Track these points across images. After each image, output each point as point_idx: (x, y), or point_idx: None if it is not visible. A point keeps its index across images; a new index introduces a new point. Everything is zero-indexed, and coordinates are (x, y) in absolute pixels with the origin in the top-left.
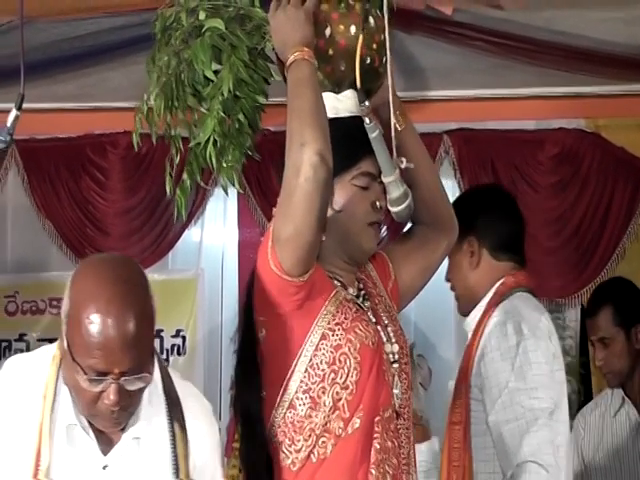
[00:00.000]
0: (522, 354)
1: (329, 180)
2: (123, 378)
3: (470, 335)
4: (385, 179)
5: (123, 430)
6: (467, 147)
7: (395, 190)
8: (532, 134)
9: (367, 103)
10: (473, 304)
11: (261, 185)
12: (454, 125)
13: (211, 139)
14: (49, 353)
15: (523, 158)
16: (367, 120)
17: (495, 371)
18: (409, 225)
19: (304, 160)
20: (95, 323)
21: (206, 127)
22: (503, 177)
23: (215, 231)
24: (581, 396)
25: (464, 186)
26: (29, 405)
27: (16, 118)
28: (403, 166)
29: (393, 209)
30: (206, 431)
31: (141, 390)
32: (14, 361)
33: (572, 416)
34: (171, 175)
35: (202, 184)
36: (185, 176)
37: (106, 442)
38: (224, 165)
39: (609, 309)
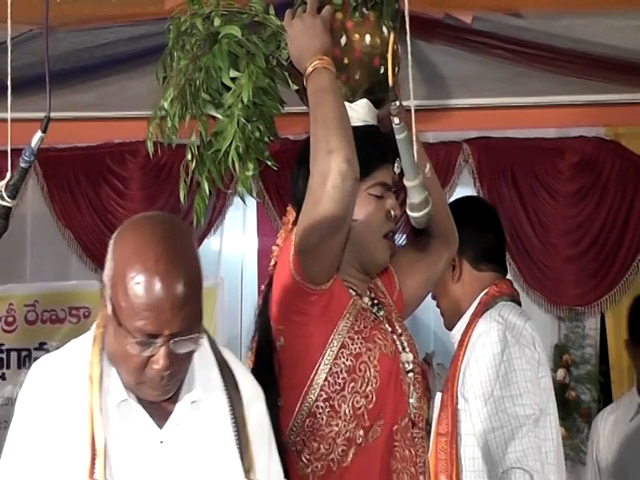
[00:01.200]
0: (506, 361)
1: (355, 188)
2: (173, 340)
3: (456, 347)
4: (408, 183)
5: (176, 401)
6: (487, 155)
7: (417, 195)
8: (552, 142)
9: (397, 103)
10: (458, 317)
11: (280, 194)
12: (474, 133)
13: (233, 145)
14: (84, 340)
15: (543, 166)
16: (396, 120)
17: (480, 380)
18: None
19: (332, 167)
20: (143, 283)
21: (227, 134)
22: (522, 185)
23: (234, 240)
24: (601, 404)
25: (484, 195)
26: (76, 389)
27: (40, 140)
28: (427, 171)
29: (413, 214)
30: (256, 393)
31: (190, 355)
32: (47, 357)
33: (591, 425)
34: (186, 182)
35: (222, 188)
36: (203, 182)
37: (160, 416)
38: (244, 173)
39: None
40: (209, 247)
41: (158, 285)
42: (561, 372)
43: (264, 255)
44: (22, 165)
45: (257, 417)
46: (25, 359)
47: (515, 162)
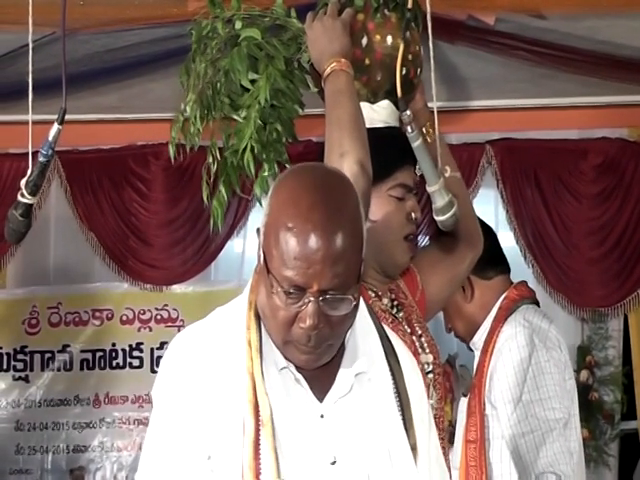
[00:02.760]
0: (534, 365)
1: (369, 190)
2: (323, 297)
3: (479, 353)
4: (429, 188)
5: (336, 372)
6: (510, 157)
7: (440, 199)
8: (575, 143)
9: (409, 112)
10: (474, 329)
11: None
12: (497, 135)
13: (248, 146)
14: (234, 307)
15: (566, 168)
16: (409, 129)
17: (509, 385)
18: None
19: (344, 170)
20: (295, 230)
21: (243, 134)
22: (545, 187)
23: (257, 242)
24: (624, 406)
25: (507, 196)
26: (232, 354)
27: (58, 132)
28: (447, 174)
29: (439, 218)
30: (414, 367)
31: (344, 319)
32: (194, 326)
33: (614, 426)
34: (208, 184)
35: (240, 194)
36: (221, 187)
37: (320, 387)
38: (261, 174)
39: None
40: (232, 249)
41: (311, 234)
42: (584, 373)
43: None
44: (41, 160)
45: (417, 392)
46: (48, 361)
47: (538, 163)
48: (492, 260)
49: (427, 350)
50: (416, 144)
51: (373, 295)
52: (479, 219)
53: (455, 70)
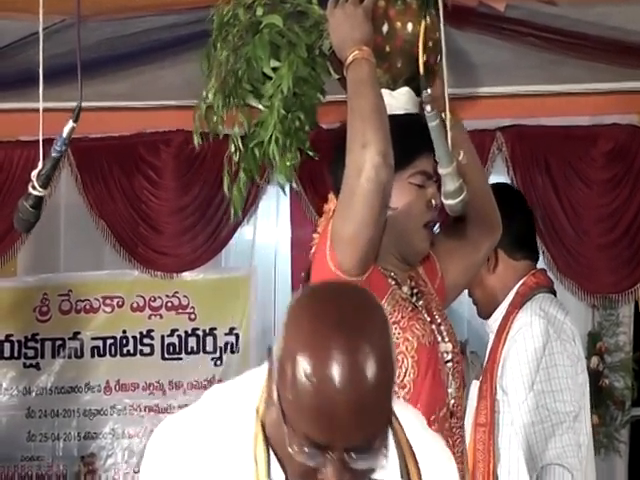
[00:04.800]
0: (548, 356)
1: (390, 181)
2: (348, 455)
3: (493, 337)
4: (442, 170)
5: None
6: (520, 143)
7: (451, 183)
8: (585, 130)
9: (429, 91)
10: (493, 307)
11: (314, 183)
12: (507, 121)
13: (273, 137)
14: (253, 399)
15: (576, 154)
16: (428, 108)
17: (521, 373)
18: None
19: (366, 160)
20: (314, 380)
21: (267, 125)
22: (556, 173)
23: (268, 229)
24: (635, 392)
25: (517, 183)
26: (239, 467)
27: (72, 129)
28: (460, 158)
29: (447, 202)
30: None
31: (372, 469)
32: (213, 404)
33: (624, 413)
34: (229, 173)
35: (258, 181)
36: (242, 174)
37: None
38: (283, 163)
39: None
40: (242, 236)
41: (334, 385)
42: (594, 360)
43: (297, 244)
44: (54, 155)
45: None
46: (59, 348)
47: (549, 150)
48: (521, 242)
49: (446, 339)
50: (434, 124)
51: (393, 283)
52: (518, 199)
53: (465, 57)
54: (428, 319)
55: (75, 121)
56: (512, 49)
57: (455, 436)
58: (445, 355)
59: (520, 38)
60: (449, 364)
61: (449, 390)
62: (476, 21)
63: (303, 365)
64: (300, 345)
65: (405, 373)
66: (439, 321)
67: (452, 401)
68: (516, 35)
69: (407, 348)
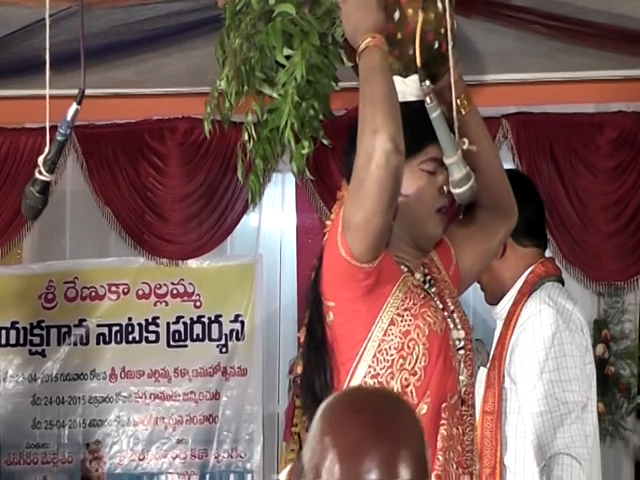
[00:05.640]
0: (557, 345)
1: (401, 167)
2: None
3: (502, 324)
4: (447, 160)
5: None
6: (526, 131)
7: (457, 171)
8: (591, 117)
9: (428, 82)
10: (501, 293)
11: (319, 170)
12: (513, 109)
13: (288, 123)
14: None
15: (582, 142)
16: (428, 100)
17: (530, 362)
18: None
19: (376, 147)
20: None
21: (281, 111)
22: (561, 161)
23: (273, 216)
24: None
25: (522, 170)
26: None
27: (76, 112)
28: (465, 147)
29: (455, 190)
30: None
31: None
32: None
33: (631, 401)
34: (243, 161)
35: (275, 167)
36: (258, 161)
37: None
38: (298, 151)
39: None
40: (248, 224)
41: None
42: (600, 347)
43: (303, 231)
44: (59, 139)
45: None
46: (65, 335)
47: (554, 137)
48: (530, 229)
49: (459, 326)
50: (434, 115)
51: (406, 270)
52: (528, 187)
53: (471, 44)
54: (440, 306)
55: (79, 103)
56: (518, 37)
57: (465, 424)
58: (457, 342)
59: (526, 26)
60: (461, 351)
61: (460, 377)
62: (482, 9)
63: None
64: (327, 451)
65: (416, 360)
66: (452, 308)
67: (463, 389)
68: (522, 23)
69: (418, 335)
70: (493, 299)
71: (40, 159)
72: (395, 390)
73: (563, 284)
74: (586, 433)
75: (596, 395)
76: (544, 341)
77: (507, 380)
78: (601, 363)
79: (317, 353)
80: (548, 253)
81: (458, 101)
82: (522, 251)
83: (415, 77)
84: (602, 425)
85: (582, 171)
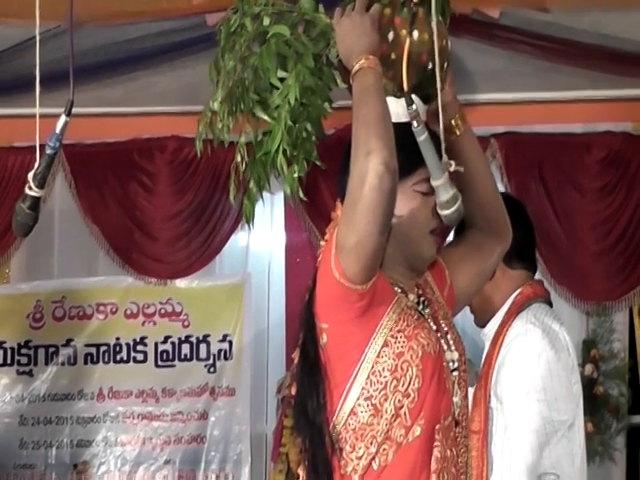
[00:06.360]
0: (543, 365)
1: (394, 189)
2: None
3: (489, 344)
4: (434, 182)
5: None
6: (514, 150)
7: (444, 193)
8: (579, 137)
9: (414, 107)
10: (490, 315)
11: (308, 190)
12: (501, 128)
13: (280, 148)
14: None
15: (570, 161)
16: (415, 123)
17: (516, 381)
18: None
19: (369, 169)
20: None
21: (274, 136)
22: (550, 180)
23: (262, 236)
24: (629, 400)
25: (511, 190)
26: None
27: (65, 124)
28: (452, 169)
29: (442, 212)
30: None
31: None
32: None
33: (620, 420)
34: (235, 184)
35: (269, 191)
36: (252, 185)
37: None
38: (291, 174)
39: None
40: (236, 243)
41: None
42: (589, 367)
43: (291, 251)
44: (48, 152)
45: None
46: (52, 355)
47: (543, 157)
48: (519, 252)
49: (453, 348)
50: (421, 138)
51: (399, 291)
52: (518, 210)
53: (460, 64)
54: (434, 327)
55: (68, 115)
56: (506, 56)
57: (459, 445)
58: (451, 364)
59: (514, 45)
60: (455, 373)
61: (454, 399)
62: (470, 28)
63: None
64: None
65: (410, 382)
66: (446, 329)
67: (457, 410)
68: (510, 42)
69: (412, 357)
70: (482, 321)
71: (30, 175)
72: (389, 412)
73: (551, 306)
74: (573, 452)
75: (583, 415)
76: (530, 360)
77: (493, 400)
78: (590, 383)
79: (310, 375)
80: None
81: (453, 122)
82: (511, 273)
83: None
84: (591, 445)
85: (570, 190)
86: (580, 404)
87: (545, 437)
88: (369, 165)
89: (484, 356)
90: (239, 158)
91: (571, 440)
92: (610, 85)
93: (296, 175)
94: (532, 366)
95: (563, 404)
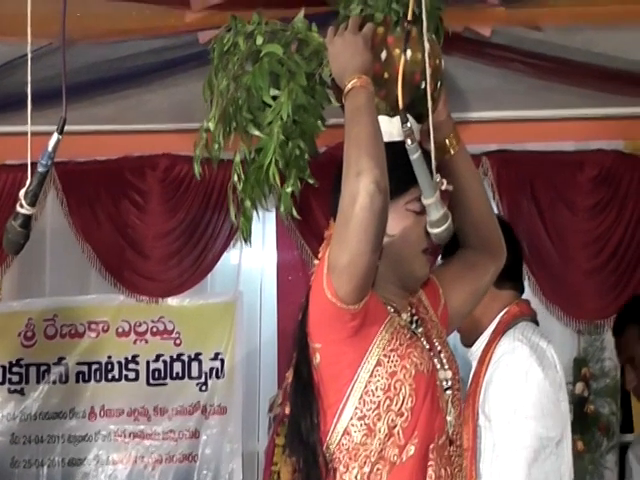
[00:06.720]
0: (531, 382)
1: (385, 209)
2: None
3: (476, 363)
4: (425, 200)
5: None
6: (506, 169)
7: (435, 212)
8: (571, 156)
9: (409, 125)
10: (477, 335)
11: (300, 207)
12: (493, 147)
13: (273, 161)
14: None
15: (562, 179)
16: (408, 141)
17: (503, 399)
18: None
19: (360, 189)
20: None
21: (267, 149)
22: (542, 198)
23: (254, 254)
24: (620, 419)
25: (503, 208)
26: None
27: (57, 142)
28: (443, 188)
29: (433, 231)
30: None
31: None
32: None
33: (610, 438)
34: (233, 202)
35: (265, 208)
36: (247, 202)
37: None
38: (284, 191)
39: (634, 327)
40: (228, 261)
41: None
42: (580, 385)
43: (283, 269)
44: (40, 170)
45: None
46: (44, 374)
47: (534, 175)
48: (508, 272)
49: (446, 366)
50: (414, 157)
51: (392, 310)
52: (507, 231)
53: (452, 82)
54: (427, 346)
55: (60, 133)
56: (498, 74)
57: (454, 464)
58: (444, 383)
59: (506, 63)
60: (448, 392)
61: (448, 418)
62: (462, 46)
63: None
64: None
65: (403, 401)
66: (439, 348)
67: (451, 429)
68: (502, 60)
69: (405, 376)
70: (469, 340)
71: (21, 193)
72: (382, 431)
73: (537, 325)
74: (561, 470)
75: (571, 433)
76: (518, 378)
77: (481, 417)
78: (581, 401)
79: (304, 395)
80: (528, 290)
81: (447, 141)
82: (499, 293)
83: None
84: (582, 464)
85: (562, 209)
86: (568, 421)
87: (533, 454)
88: (360, 184)
89: (471, 375)
90: (236, 177)
91: (559, 457)
92: (602, 103)
93: (289, 190)
94: (520, 383)
95: (551, 421)
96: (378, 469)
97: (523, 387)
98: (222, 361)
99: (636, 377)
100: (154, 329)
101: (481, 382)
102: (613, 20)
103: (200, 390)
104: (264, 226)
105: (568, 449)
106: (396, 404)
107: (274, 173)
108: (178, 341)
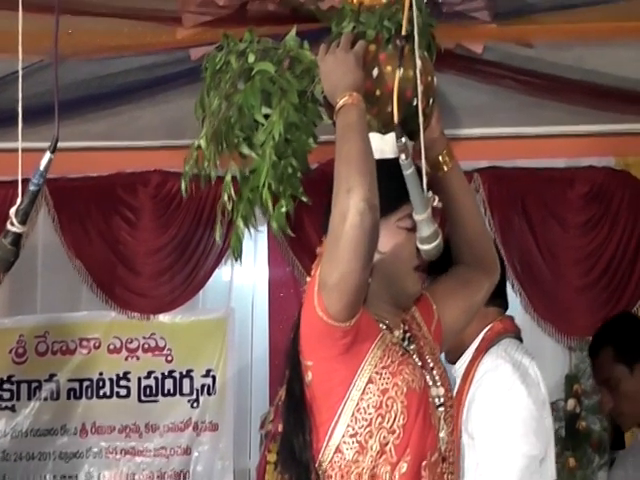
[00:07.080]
0: (514, 399)
1: (376, 227)
2: None
3: (459, 381)
4: (417, 217)
5: None
6: (497, 185)
7: (426, 229)
8: (562, 172)
9: (403, 140)
10: (461, 352)
11: (291, 224)
12: (484, 163)
13: (266, 184)
14: None
15: (553, 196)
16: (403, 157)
17: (486, 417)
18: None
19: (350, 207)
20: None
21: (260, 172)
22: (533, 215)
23: (245, 270)
24: (612, 435)
25: (494, 224)
26: None
27: (49, 161)
28: (435, 204)
29: (423, 247)
30: None
31: None
32: None
33: (602, 455)
34: (222, 223)
35: (255, 228)
36: (239, 222)
37: None
38: (277, 210)
39: (609, 348)
40: (219, 277)
41: None
42: (571, 402)
43: (275, 285)
44: (31, 189)
45: None
46: (35, 390)
47: (526, 192)
48: (493, 290)
49: (438, 383)
50: (408, 172)
51: (384, 327)
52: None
53: (443, 98)
54: (419, 363)
55: (52, 152)
56: (489, 91)
57: None
58: (437, 400)
59: (497, 80)
60: (440, 409)
61: (440, 435)
62: (454, 63)
63: None
64: None
65: (395, 418)
66: (431, 365)
67: (444, 446)
68: (493, 77)
69: (397, 393)
70: (453, 357)
71: (12, 210)
72: (375, 448)
73: (521, 341)
74: None
75: (561, 450)
76: (501, 396)
77: (465, 436)
78: (572, 418)
79: (296, 412)
80: (519, 307)
81: (440, 158)
82: (484, 311)
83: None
84: None
85: (553, 225)
86: (551, 440)
87: (518, 472)
88: (350, 202)
89: (454, 392)
90: (226, 197)
91: (543, 475)
92: (593, 120)
93: (283, 210)
94: (503, 401)
95: (535, 439)
96: None
97: (506, 405)
98: (214, 378)
99: (612, 399)
100: (145, 346)
101: (464, 400)
102: (604, 37)
103: (191, 407)
104: (256, 242)
105: (551, 466)
106: (388, 421)
107: (267, 196)
108: (170, 358)
